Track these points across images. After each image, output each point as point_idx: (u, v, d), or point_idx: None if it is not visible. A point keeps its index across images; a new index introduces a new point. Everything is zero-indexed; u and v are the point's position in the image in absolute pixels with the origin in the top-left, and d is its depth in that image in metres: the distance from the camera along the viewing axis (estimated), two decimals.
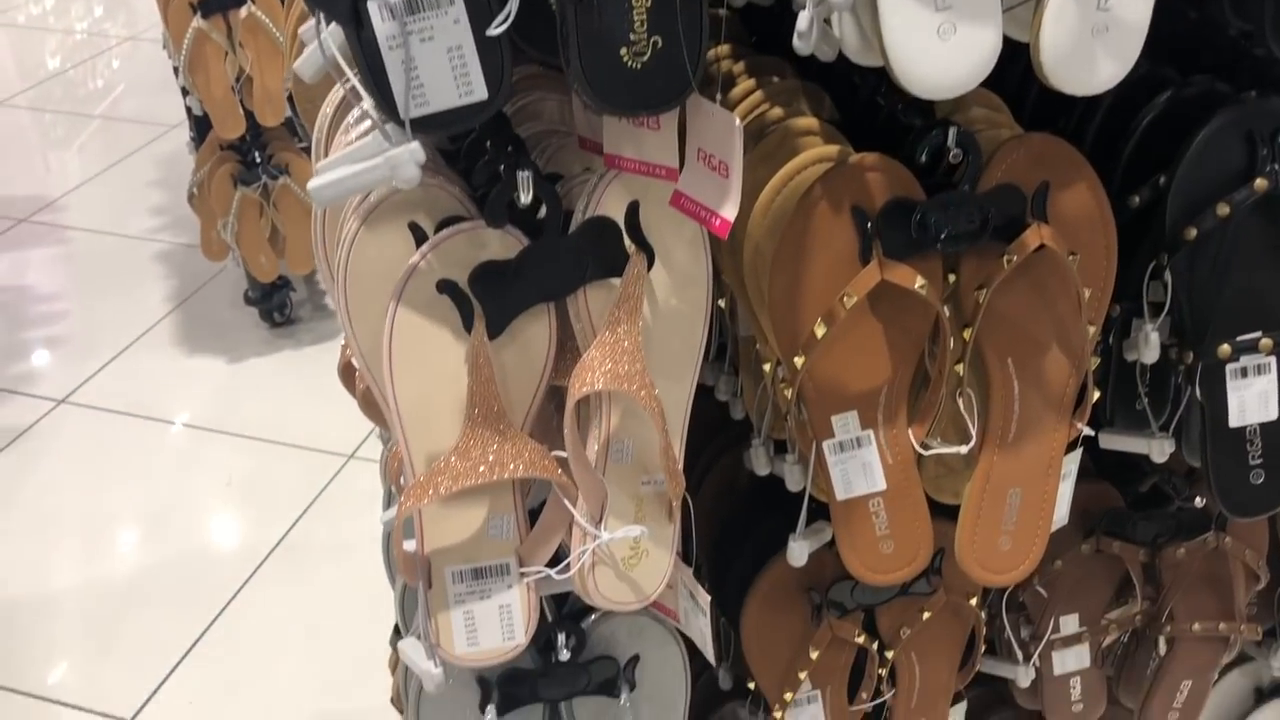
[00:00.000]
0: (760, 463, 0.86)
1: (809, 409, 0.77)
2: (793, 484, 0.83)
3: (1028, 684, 1.06)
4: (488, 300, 0.67)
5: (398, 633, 1.04)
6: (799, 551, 0.83)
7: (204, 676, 1.81)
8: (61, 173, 3.44)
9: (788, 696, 0.96)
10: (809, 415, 0.77)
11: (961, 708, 1.09)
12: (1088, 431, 0.81)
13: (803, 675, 0.95)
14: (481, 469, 0.68)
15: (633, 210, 0.68)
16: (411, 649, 0.77)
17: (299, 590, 1.93)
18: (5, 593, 1.96)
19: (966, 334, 0.75)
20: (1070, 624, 1.07)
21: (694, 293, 0.72)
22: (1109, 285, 0.79)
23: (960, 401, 0.77)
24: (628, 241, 0.68)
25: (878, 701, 1.02)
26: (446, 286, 0.66)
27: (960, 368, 0.76)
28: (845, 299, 0.72)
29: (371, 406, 0.77)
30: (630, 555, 0.75)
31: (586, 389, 0.68)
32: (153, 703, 1.77)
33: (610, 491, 0.73)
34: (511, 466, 0.69)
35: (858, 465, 0.78)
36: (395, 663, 1.13)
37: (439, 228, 0.67)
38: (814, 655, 0.94)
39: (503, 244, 0.68)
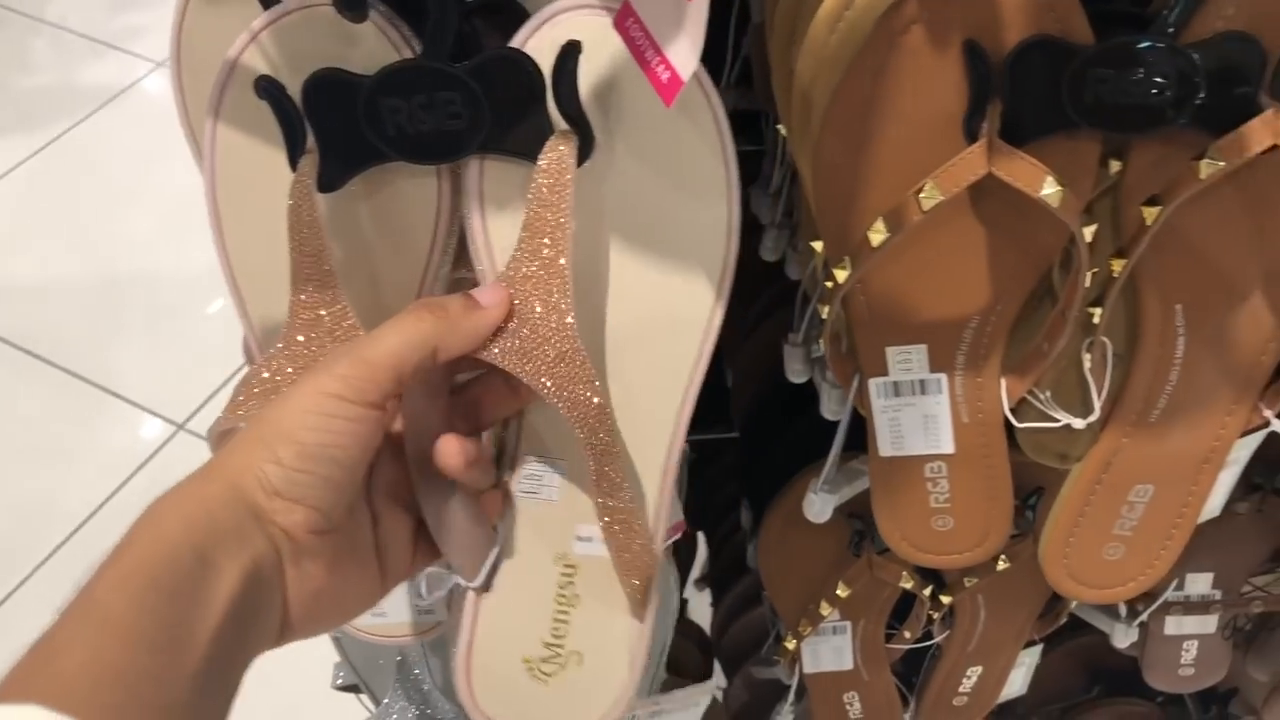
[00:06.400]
0: (796, 366, 0.61)
1: (856, 333, 0.52)
2: (828, 409, 0.59)
3: (1126, 645, 0.84)
4: (326, 131, 0.42)
5: None
6: (820, 507, 0.60)
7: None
8: None
9: (805, 629, 0.77)
10: (855, 341, 0.52)
11: (1036, 650, 0.87)
12: (1276, 425, 0.53)
13: (826, 611, 0.75)
14: None
15: (568, 56, 0.40)
16: None
17: None
18: (74, 268, 1.89)
19: (1117, 265, 0.48)
20: (1200, 584, 0.83)
21: (698, 222, 0.45)
22: None
23: (1087, 357, 0.51)
24: (552, 108, 0.41)
25: (924, 644, 0.81)
26: (267, 90, 0.42)
27: (1098, 311, 0.49)
28: (923, 195, 0.44)
29: None
30: (548, 658, 0.49)
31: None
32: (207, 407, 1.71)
33: (516, 543, 0.49)
34: None
35: (916, 416, 0.54)
36: None
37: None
38: (843, 593, 0.73)
39: (376, 48, 0.43)
